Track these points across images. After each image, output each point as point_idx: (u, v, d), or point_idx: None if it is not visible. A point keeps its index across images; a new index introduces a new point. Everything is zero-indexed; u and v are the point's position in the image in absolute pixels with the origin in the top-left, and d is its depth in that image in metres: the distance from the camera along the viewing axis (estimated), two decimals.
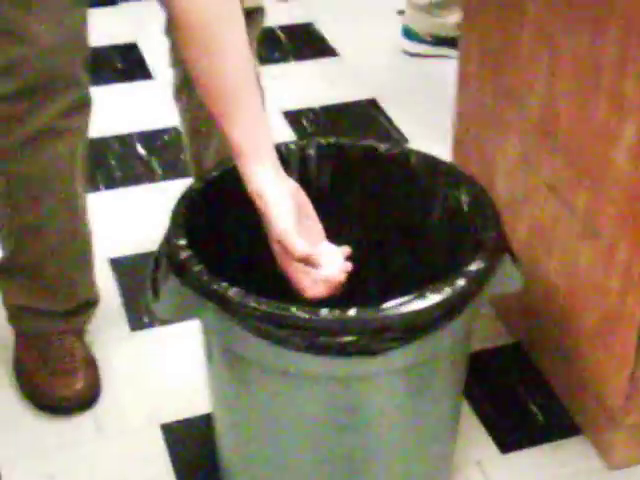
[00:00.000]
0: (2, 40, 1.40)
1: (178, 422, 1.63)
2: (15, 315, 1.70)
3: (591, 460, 1.58)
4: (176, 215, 1.29)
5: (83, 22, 1.45)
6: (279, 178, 1.22)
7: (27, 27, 1.38)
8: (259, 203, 1.21)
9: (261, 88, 1.79)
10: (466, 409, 1.66)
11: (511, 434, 1.63)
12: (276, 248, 1.25)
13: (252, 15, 1.66)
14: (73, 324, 1.70)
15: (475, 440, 1.62)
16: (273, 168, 1.22)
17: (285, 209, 1.20)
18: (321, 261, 1.23)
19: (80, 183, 1.59)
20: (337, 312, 1.15)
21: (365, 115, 2.49)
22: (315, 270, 1.24)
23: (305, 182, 1.43)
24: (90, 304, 1.72)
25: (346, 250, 1.29)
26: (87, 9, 1.45)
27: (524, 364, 1.75)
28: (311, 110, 2.50)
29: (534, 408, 1.67)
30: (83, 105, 1.51)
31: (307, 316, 1.15)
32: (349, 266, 1.27)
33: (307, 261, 1.21)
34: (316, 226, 1.27)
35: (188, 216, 1.30)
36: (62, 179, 1.55)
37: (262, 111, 1.23)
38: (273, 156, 1.22)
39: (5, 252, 1.64)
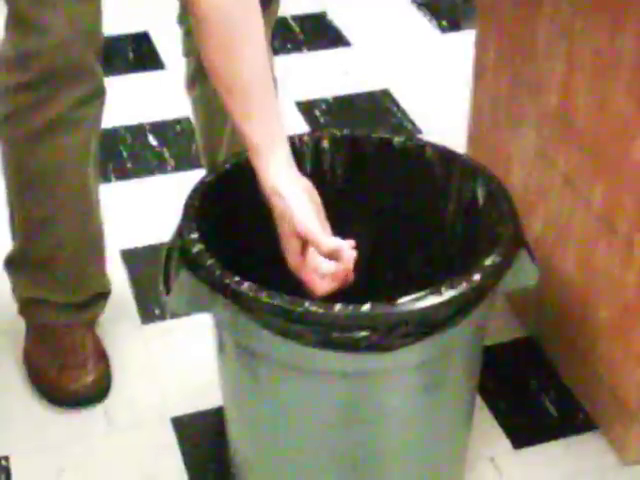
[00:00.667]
0: (18, 31, 1.41)
1: (189, 415, 1.62)
2: (26, 307, 1.69)
3: (606, 456, 1.57)
4: (188, 208, 1.28)
5: (97, 13, 1.45)
6: (294, 175, 1.21)
7: (42, 18, 1.38)
8: (275, 200, 1.19)
9: (274, 79, 1.78)
10: (479, 404, 1.64)
11: (525, 429, 1.61)
12: (291, 244, 1.23)
13: (266, 5, 1.65)
14: (84, 316, 1.69)
15: (488, 435, 1.60)
16: (287, 165, 1.20)
17: (307, 206, 1.19)
18: (348, 255, 1.21)
19: (93, 174, 1.59)
20: (351, 307, 1.13)
21: (378, 106, 2.47)
22: (324, 267, 1.23)
23: (319, 174, 1.42)
24: (102, 296, 1.71)
25: (351, 243, 1.27)
26: (101, 0, 1.45)
27: (538, 359, 1.74)
28: (324, 100, 2.48)
29: (548, 403, 1.66)
30: (97, 95, 1.50)
31: (320, 311, 1.13)
32: (354, 254, 1.24)
33: (334, 255, 1.20)
34: (326, 224, 1.25)
35: (200, 209, 1.29)
36: (75, 170, 1.54)
37: (277, 107, 1.22)
38: (287, 153, 1.21)
39: (16, 244, 1.63)
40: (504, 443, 1.59)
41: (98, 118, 1.54)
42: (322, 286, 1.24)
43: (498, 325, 1.79)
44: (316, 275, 1.24)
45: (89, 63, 1.45)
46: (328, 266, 1.23)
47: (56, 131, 1.48)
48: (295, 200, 1.19)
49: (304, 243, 1.22)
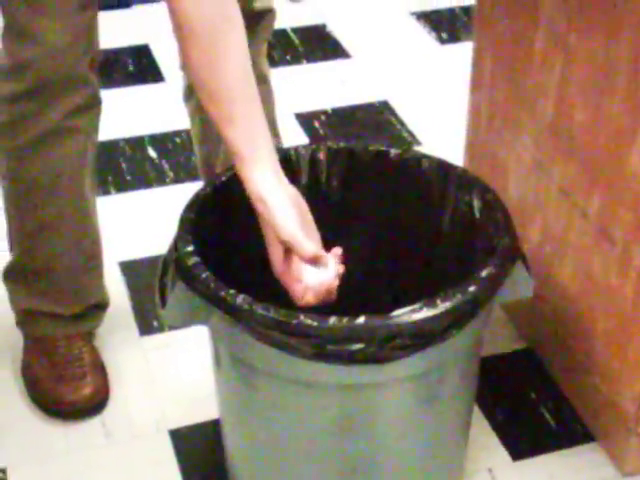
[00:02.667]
0: (13, 40, 1.42)
1: (187, 428, 1.62)
2: (24, 319, 1.69)
3: (604, 468, 1.57)
4: (183, 221, 1.28)
5: (92, 23, 1.46)
6: (280, 183, 1.21)
7: (38, 28, 1.40)
8: (260, 207, 1.20)
9: (270, 90, 1.79)
10: (477, 415, 1.64)
11: (523, 441, 1.61)
12: (275, 252, 1.23)
13: (262, 17, 1.66)
14: (82, 328, 1.69)
15: (486, 447, 1.60)
16: (273, 172, 1.21)
17: (290, 212, 1.19)
18: (327, 261, 1.21)
19: (90, 184, 1.59)
20: (345, 320, 1.14)
21: (377, 117, 2.47)
22: (307, 279, 1.22)
23: (315, 187, 1.43)
24: (100, 308, 1.71)
25: (337, 250, 1.26)
26: (97, 11, 1.46)
27: (536, 369, 1.73)
28: (323, 112, 2.49)
29: (546, 414, 1.65)
30: (92, 105, 1.51)
31: (315, 324, 1.13)
32: (340, 268, 1.25)
33: (316, 261, 1.20)
34: (315, 234, 1.25)
35: (196, 222, 1.29)
36: (71, 179, 1.55)
37: (261, 115, 1.22)
38: (273, 160, 1.21)
39: (13, 256, 1.64)
40: (502, 454, 1.59)
41: (94, 128, 1.55)
42: (304, 298, 1.23)
43: (496, 336, 1.79)
44: (299, 285, 1.24)
45: (83, 72, 1.46)
46: (311, 278, 1.22)
47: (51, 140, 1.49)
48: (278, 206, 1.19)
49: (287, 250, 1.22)
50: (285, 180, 1.22)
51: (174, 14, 1.20)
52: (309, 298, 1.23)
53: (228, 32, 1.19)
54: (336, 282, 1.24)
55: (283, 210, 1.19)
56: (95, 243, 1.65)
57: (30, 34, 1.40)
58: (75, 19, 1.41)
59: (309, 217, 1.24)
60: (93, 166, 1.59)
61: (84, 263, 1.64)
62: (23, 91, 1.44)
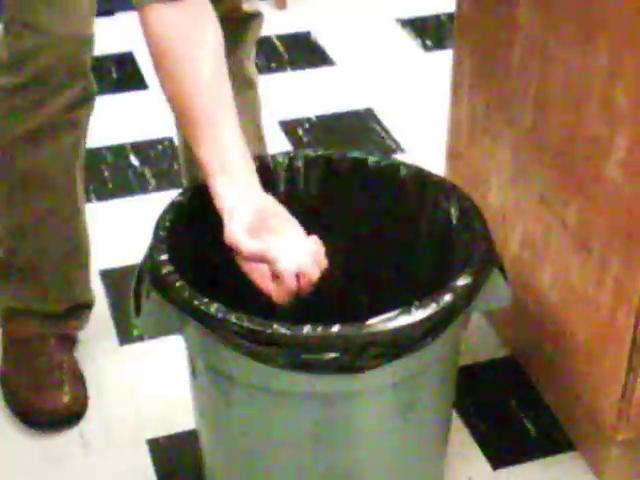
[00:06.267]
0: (16, 30, 1.43)
1: (165, 437, 1.61)
2: (7, 318, 1.69)
3: (584, 476, 1.56)
4: (158, 229, 1.27)
5: (91, 14, 1.47)
6: (246, 193, 1.20)
7: (39, 17, 1.41)
8: (223, 218, 1.19)
9: (258, 99, 1.78)
10: (457, 423, 1.63)
11: (503, 449, 1.61)
12: (238, 260, 1.21)
13: (250, 20, 1.66)
14: (68, 328, 1.69)
15: (466, 456, 1.59)
16: (240, 184, 1.20)
17: (238, 217, 1.17)
18: (275, 254, 1.15)
19: (80, 180, 1.60)
20: (320, 328, 1.13)
21: (362, 125, 2.47)
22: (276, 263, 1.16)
23: (293, 195, 1.42)
24: (85, 307, 1.71)
25: (313, 237, 1.20)
26: (95, 2, 1.47)
27: (517, 378, 1.73)
28: (307, 120, 2.48)
29: (527, 423, 1.65)
30: (88, 98, 1.52)
31: (289, 332, 1.12)
32: (324, 262, 1.19)
33: (258, 258, 1.16)
34: (289, 232, 1.20)
35: (172, 229, 1.28)
36: (64, 172, 1.55)
37: (231, 129, 1.21)
38: (241, 173, 1.20)
39: (0, 252, 1.63)
40: (483, 463, 1.58)
41: (87, 122, 1.56)
42: (279, 295, 1.19)
43: (477, 344, 1.78)
44: (267, 281, 1.20)
45: (83, 64, 1.47)
46: (284, 262, 1.16)
47: (48, 134, 1.50)
48: (228, 214, 1.17)
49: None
50: (255, 191, 1.21)
51: (144, 32, 1.21)
52: (282, 294, 1.18)
53: (193, 54, 1.20)
54: (314, 269, 1.17)
55: (232, 216, 1.17)
56: (83, 238, 1.66)
57: (32, 25, 1.41)
58: (75, 9, 1.42)
59: (280, 221, 1.20)
60: (84, 159, 1.60)
61: (73, 258, 1.64)
62: (22, 83, 1.45)
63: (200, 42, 1.21)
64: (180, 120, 1.23)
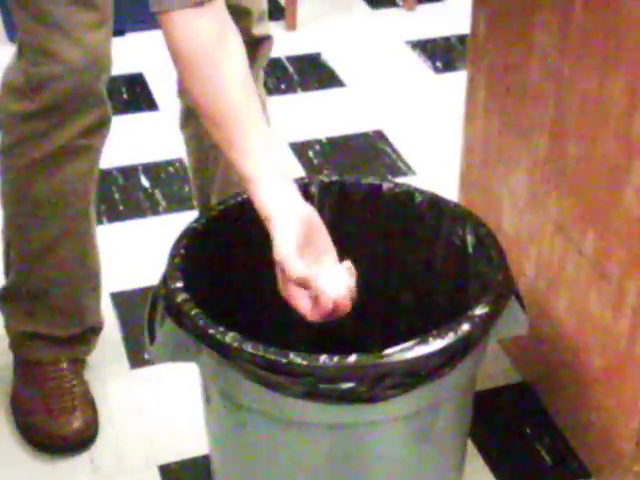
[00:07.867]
0: (33, 58, 1.43)
1: (176, 463, 1.60)
2: (18, 342, 1.68)
3: None
4: (173, 256, 1.26)
5: (108, 41, 1.47)
6: (290, 201, 1.19)
7: (57, 45, 1.41)
8: (266, 225, 1.18)
9: (267, 117, 1.78)
10: (471, 450, 1.62)
11: (518, 477, 1.59)
12: (278, 270, 1.21)
13: (260, 43, 1.66)
14: (77, 353, 1.68)
15: None
16: (284, 191, 1.19)
17: (289, 232, 1.16)
18: (318, 284, 1.18)
19: (93, 204, 1.60)
20: (336, 358, 1.12)
21: (372, 147, 2.47)
22: (319, 293, 1.19)
23: None
24: (95, 331, 1.71)
25: (347, 264, 1.23)
26: (111, 29, 1.47)
27: (532, 404, 1.71)
28: (317, 141, 2.48)
29: (541, 450, 1.63)
30: (104, 123, 1.52)
31: (305, 362, 1.11)
32: (353, 282, 1.22)
33: (304, 284, 1.17)
34: (327, 254, 1.22)
35: (187, 256, 1.28)
36: (79, 197, 1.55)
37: (269, 135, 1.21)
38: (281, 178, 1.20)
39: (12, 277, 1.63)
40: None
41: (101, 147, 1.56)
42: (313, 315, 1.20)
43: (491, 370, 1.77)
44: (302, 300, 1.20)
45: (99, 90, 1.47)
46: (327, 289, 1.19)
47: (62, 159, 1.49)
48: (279, 226, 1.17)
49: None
50: (296, 198, 1.20)
51: (169, 44, 1.20)
52: (317, 314, 1.19)
53: (225, 58, 1.19)
54: (346, 295, 1.20)
55: (283, 230, 1.16)
56: (96, 263, 1.65)
57: (48, 52, 1.41)
58: (91, 37, 1.42)
59: (320, 237, 1.21)
60: (97, 182, 1.60)
61: (85, 284, 1.64)
62: (38, 109, 1.44)
63: (232, 51, 1.20)
64: (213, 129, 1.21)
